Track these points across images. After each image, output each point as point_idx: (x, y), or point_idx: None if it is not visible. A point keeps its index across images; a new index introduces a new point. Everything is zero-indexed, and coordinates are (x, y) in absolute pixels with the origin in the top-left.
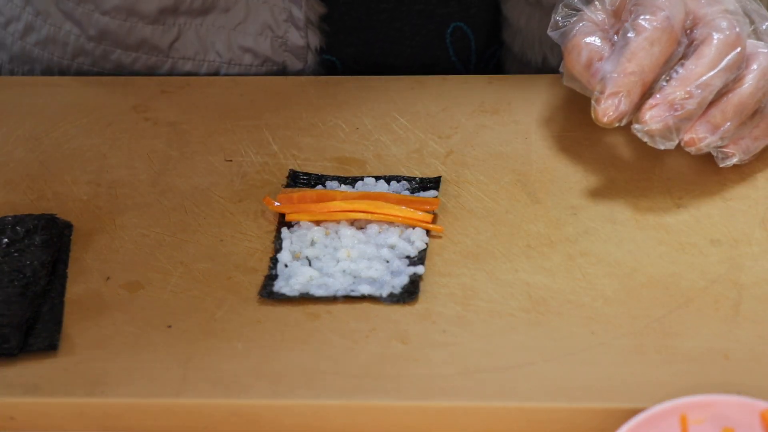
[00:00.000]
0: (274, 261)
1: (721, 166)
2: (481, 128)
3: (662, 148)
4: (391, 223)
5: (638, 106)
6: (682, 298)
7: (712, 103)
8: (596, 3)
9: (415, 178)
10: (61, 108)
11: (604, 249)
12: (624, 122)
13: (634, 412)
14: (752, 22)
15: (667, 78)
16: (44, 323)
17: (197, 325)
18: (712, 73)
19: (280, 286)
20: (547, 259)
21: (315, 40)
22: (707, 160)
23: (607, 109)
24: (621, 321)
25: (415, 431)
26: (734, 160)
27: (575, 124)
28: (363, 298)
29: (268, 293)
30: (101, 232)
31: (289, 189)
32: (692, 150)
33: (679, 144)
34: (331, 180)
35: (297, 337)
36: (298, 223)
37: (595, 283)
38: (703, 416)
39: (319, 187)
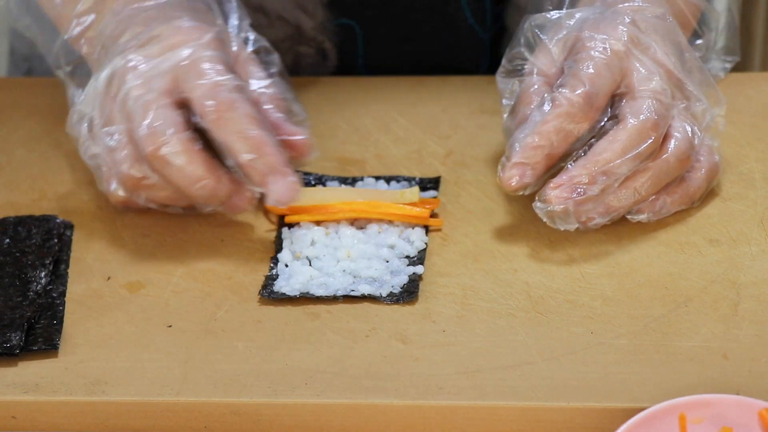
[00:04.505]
0: (275, 261)
1: (629, 218)
2: (481, 129)
3: (562, 229)
4: (390, 223)
5: (543, 177)
6: (681, 298)
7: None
8: (544, 52)
9: (415, 178)
10: (62, 108)
11: (603, 249)
12: (528, 192)
13: (633, 412)
14: (685, 99)
15: (580, 154)
16: (45, 323)
17: (197, 325)
18: (619, 161)
19: (281, 286)
20: (546, 259)
21: None
22: None
23: (511, 179)
24: (620, 321)
25: (415, 431)
26: (641, 217)
27: None
28: (363, 297)
29: (269, 293)
30: (102, 232)
31: None
32: (580, 227)
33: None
34: (331, 180)
35: (297, 336)
36: (298, 223)
37: (594, 283)
38: (702, 415)
39: (319, 187)
